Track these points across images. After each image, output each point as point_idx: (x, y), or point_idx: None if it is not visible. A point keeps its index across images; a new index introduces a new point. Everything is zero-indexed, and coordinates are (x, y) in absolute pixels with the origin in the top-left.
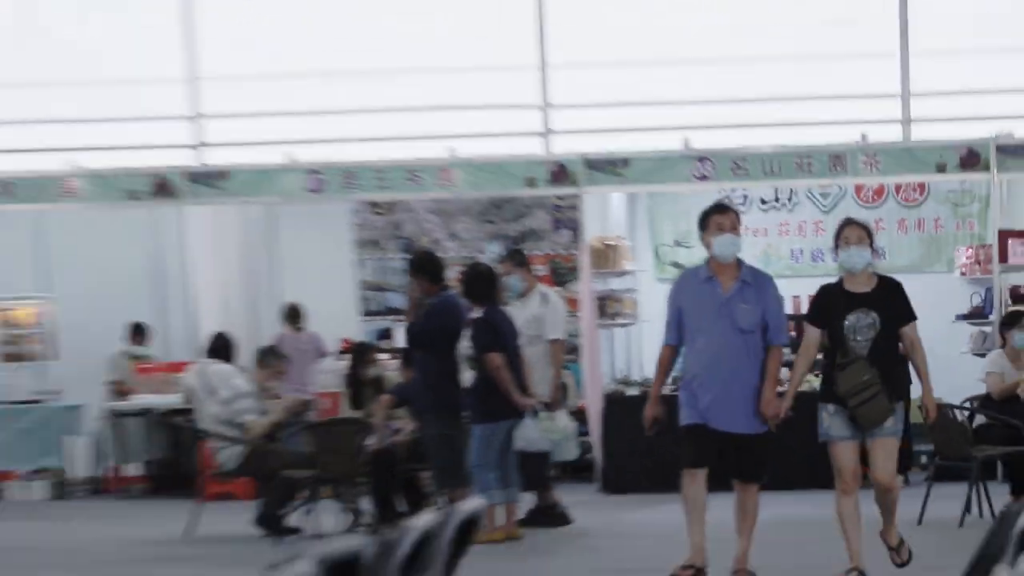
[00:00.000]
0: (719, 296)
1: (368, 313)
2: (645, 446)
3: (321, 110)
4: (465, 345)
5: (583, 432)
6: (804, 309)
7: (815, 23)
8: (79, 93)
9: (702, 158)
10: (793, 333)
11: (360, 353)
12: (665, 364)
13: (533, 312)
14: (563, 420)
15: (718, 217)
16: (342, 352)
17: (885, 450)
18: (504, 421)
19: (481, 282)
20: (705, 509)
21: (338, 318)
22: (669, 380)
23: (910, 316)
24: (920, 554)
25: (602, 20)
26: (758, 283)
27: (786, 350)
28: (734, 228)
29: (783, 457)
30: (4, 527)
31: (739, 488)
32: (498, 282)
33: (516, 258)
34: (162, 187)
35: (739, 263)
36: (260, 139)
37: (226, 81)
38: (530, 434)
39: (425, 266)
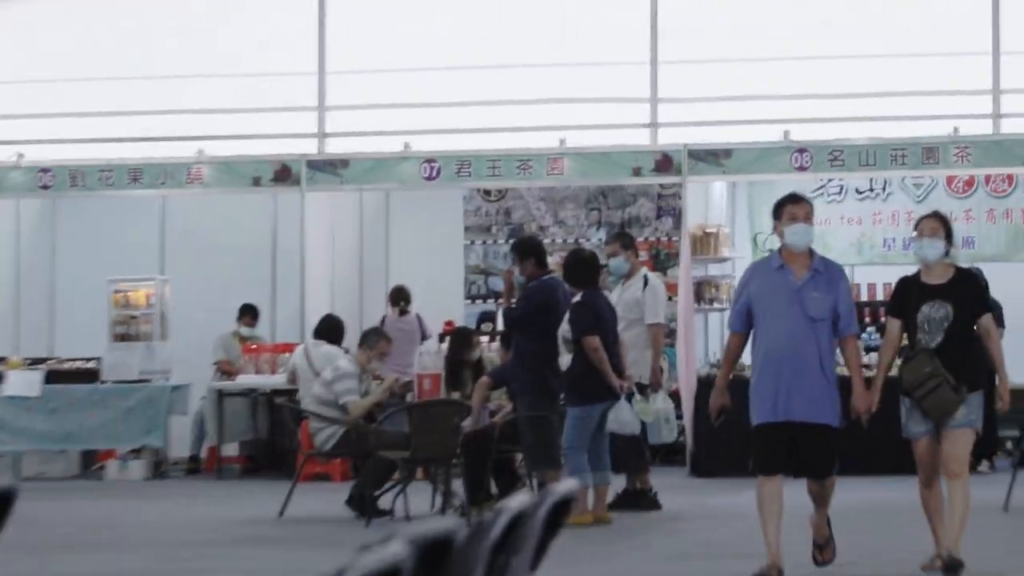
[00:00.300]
0: (791, 284)
1: (472, 297)
2: (735, 429)
3: (437, 102)
4: (564, 328)
5: (678, 415)
6: (881, 296)
7: (910, 22)
8: (211, 85)
9: (801, 149)
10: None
11: (460, 336)
12: (733, 353)
13: (635, 295)
14: (660, 403)
15: (792, 207)
16: (444, 335)
17: (953, 441)
18: (599, 403)
19: (582, 266)
20: (782, 513)
21: (444, 301)
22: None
23: (984, 308)
24: (1007, 538)
25: (708, 17)
26: (829, 273)
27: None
28: (807, 218)
29: (861, 443)
30: (99, 506)
31: (811, 482)
32: (599, 267)
33: (623, 240)
34: (284, 173)
35: (811, 253)
36: (379, 129)
37: (349, 74)
38: (624, 416)
39: (532, 250)
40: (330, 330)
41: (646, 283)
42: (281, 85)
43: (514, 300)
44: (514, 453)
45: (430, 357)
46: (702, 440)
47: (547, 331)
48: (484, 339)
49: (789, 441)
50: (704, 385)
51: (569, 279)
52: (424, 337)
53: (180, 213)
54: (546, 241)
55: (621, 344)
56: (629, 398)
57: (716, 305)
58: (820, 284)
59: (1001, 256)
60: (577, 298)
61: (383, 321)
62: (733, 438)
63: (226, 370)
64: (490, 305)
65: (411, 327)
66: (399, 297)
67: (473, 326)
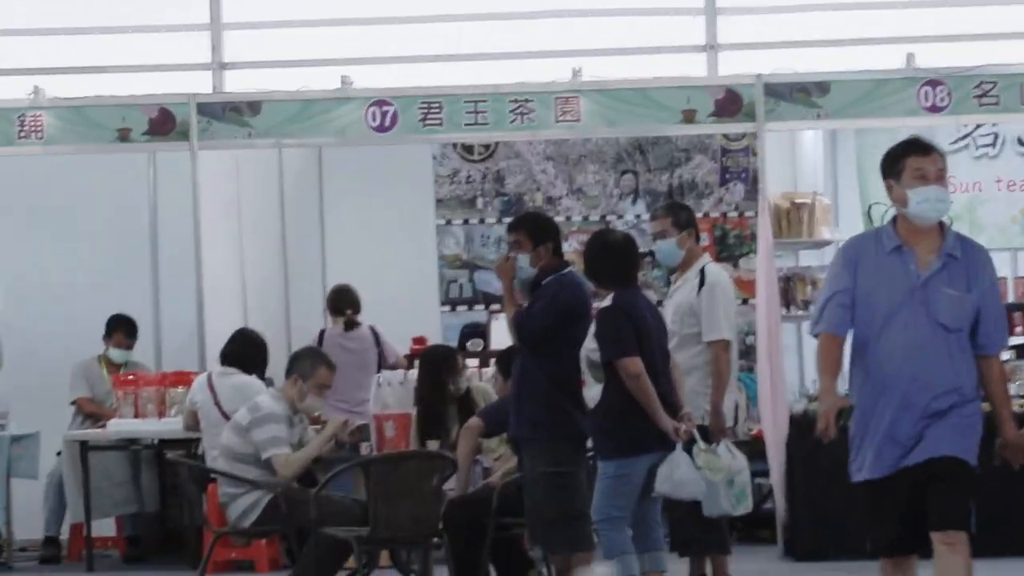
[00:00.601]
0: (913, 275)
1: (451, 302)
2: (848, 489)
3: (391, 16)
4: (589, 347)
5: (759, 471)
6: None
7: None
8: None
9: (933, 81)
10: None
11: (436, 359)
12: (833, 358)
13: (688, 299)
14: (728, 454)
15: (917, 159)
16: (412, 356)
17: None
18: (644, 455)
19: (612, 256)
20: None
21: (408, 309)
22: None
23: None
24: None
25: None
26: (970, 259)
27: None
28: (940, 177)
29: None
30: None
31: (941, 545)
32: (637, 256)
33: (676, 214)
34: (164, 123)
35: (942, 228)
36: (304, 57)
37: None
38: (681, 474)
39: (547, 230)
40: (244, 352)
41: (703, 281)
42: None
43: (523, 303)
44: (521, 528)
45: (393, 390)
46: (800, 506)
47: (566, 350)
48: (471, 363)
49: (917, 501)
50: (799, 427)
51: (593, 274)
52: (383, 361)
53: (11, 183)
54: (558, 219)
55: (674, 367)
56: (688, 447)
57: (813, 310)
58: (956, 276)
59: None
60: (605, 302)
61: (321, 337)
62: (847, 503)
63: (90, 412)
64: (479, 313)
65: (363, 346)
66: (342, 302)
67: (454, 343)
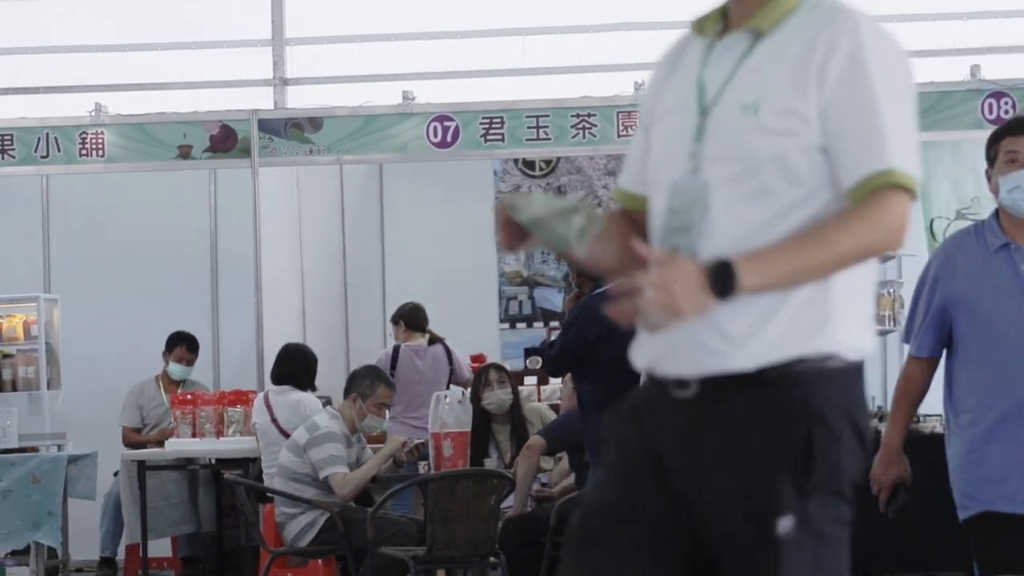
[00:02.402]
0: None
1: (510, 319)
2: (911, 508)
3: (452, 31)
4: None
5: None
6: None
7: None
8: (115, 12)
9: (997, 93)
10: None
11: (474, 379)
12: (914, 389)
13: None
14: None
15: (1012, 140)
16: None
17: None
18: None
19: None
20: None
21: (467, 326)
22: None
23: None
24: None
25: None
26: None
27: None
28: None
29: None
30: None
31: None
32: None
33: None
34: (226, 140)
35: None
36: (366, 72)
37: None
38: None
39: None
40: (294, 369)
41: None
42: (219, 10)
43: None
44: None
45: (452, 408)
46: (859, 524)
47: (609, 369)
48: (529, 380)
49: None
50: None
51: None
52: (455, 378)
53: (71, 201)
54: None
55: None
56: None
57: (875, 326)
58: None
59: None
60: None
61: (396, 354)
62: (909, 519)
63: (131, 443)
64: (538, 331)
65: (436, 363)
66: (423, 319)
67: (517, 360)
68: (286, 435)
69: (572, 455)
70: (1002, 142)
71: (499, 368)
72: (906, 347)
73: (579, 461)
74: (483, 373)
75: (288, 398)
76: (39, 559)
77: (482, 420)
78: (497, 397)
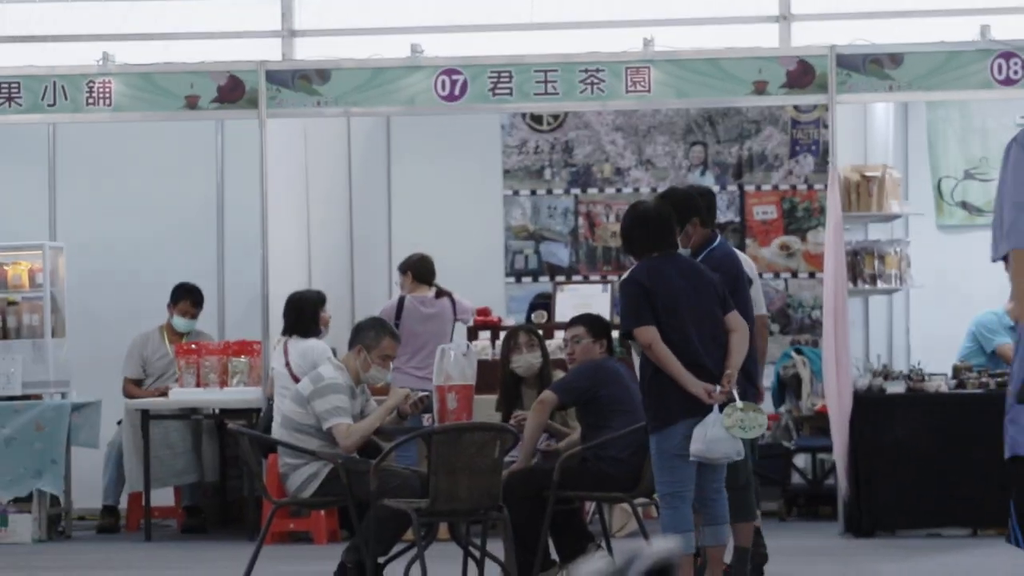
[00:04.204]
0: None
1: (516, 273)
2: (914, 466)
3: None
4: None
5: (822, 447)
6: None
7: None
8: None
9: (1007, 54)
10: None
11: (504, 339)
12: None
13: None
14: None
15: None
16: (476, 328)
17: None
18: (679, 423)
19: (640, 226)
20: None
21: (473, 279)
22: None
23: None
24: None
25: None
26: None
27: None
28: None
29: None
30: None
31: None
32: (666, 226)
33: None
34: (233, 91)
35: None
36: (374, 25)
37: None
38: (713, 433)
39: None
40: (297, 319)
41: None
42: None
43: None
44: (582, 501)
45: (456, 361)
46: (863, 484)
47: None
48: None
49: None
50: (864, 404)
51: (628, 247)
52: (462, 319)
53: (77, 150)
54: (625, 190)
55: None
56: (723, 407)
57: (881, 284)
58: None
59: None
60: (625, 275)
61: (401, 305)
62: (913, 478)
63: (132, 394)
64: (544, 285)
65: (442, 314)
66: (430, 271)
67: (520, 315)
68: (296, 380)
69: (583, 408)
70: None
71: (529, 331)
72: (911, 306)
73: (589, 415)
74: (513, 335)
75: (299, 345)
76: (41, 507)
77: (511, 382)
78: (526, 360)
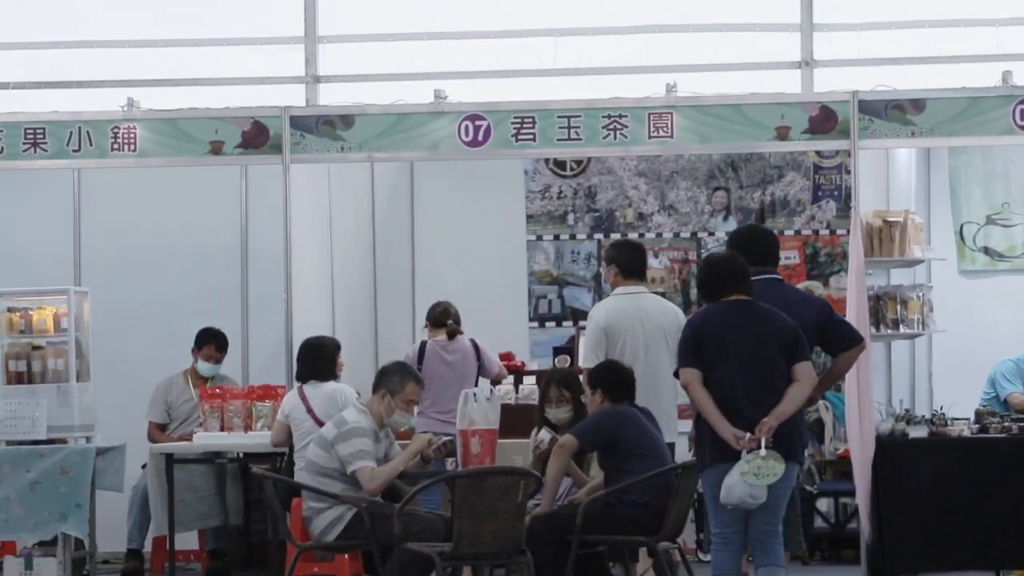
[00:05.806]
0: None
1: (539, 318)
2: (936, 510)
3: (484, 31)
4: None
5: (844, 491)
6: None
7: None
8: (146, 7)
9: None
10: None
11: (541, 388)
12: None
13: None
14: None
15: None
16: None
17: None
18: (715, 467)
19: (705, 273)
20: None
21: (497, 324)
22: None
23: None
24: None
25: None
26: None
27: None
28: None
29: None
30: None
31: None
32: (728, 273)
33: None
34: (257, 136)
35: None
36: (398, 71)
37: None
38: (728, 478)
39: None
40: (315, 365)
41: None
42: (252, 7)
43: None
44: (604, 546)
45: (480, 406)
46: (886, 527)
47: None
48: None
49: None
50: (886, 448)
51: (700, 292)
52: (484, 373)
53: (102, 195)
54: (648, 236)
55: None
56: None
57: (904, 329)
58: None
59: None
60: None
61: (422, 349)
62: (937, 523)
63: (156, 439)
64: (567, 330)
65: (463, 359)
66: (445, 315)
67: (545, 360)
68: (320, 424)
69: (604, 452)
70: None
71: (560, 385)
72: (933, 351)
73: (610, 459)
74: (547, 387)
75: (321, 390)
76: (66, 550)
77: (549, 427)
78: (555, 415)
